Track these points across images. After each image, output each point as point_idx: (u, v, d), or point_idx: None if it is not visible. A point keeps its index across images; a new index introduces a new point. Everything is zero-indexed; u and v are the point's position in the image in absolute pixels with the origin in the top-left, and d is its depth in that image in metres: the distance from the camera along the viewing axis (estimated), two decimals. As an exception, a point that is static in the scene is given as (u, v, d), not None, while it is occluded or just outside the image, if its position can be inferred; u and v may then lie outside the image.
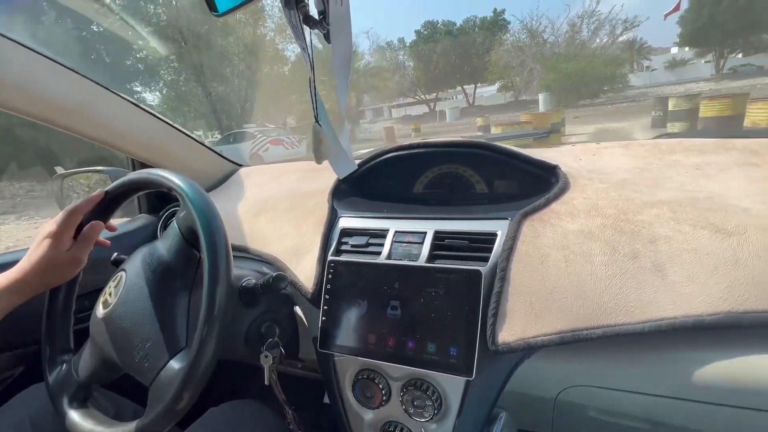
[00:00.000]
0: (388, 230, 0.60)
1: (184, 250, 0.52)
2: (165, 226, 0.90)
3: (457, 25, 26.69)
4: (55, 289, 0.59)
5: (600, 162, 0.64)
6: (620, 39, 21.59)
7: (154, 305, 0.49)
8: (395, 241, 0.59)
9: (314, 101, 0.41)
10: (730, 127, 6.58)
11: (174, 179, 0.50)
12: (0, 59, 0.62)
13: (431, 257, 0.55)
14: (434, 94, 29.02)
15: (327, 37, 0.41)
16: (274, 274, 0.54)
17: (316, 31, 0.40)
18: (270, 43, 19.88)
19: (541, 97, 18.79)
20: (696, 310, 0.42)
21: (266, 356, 0.56)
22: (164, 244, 0.54)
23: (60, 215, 0.54)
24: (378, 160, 0.69)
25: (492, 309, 0.49)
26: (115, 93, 0.78)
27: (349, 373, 0.60)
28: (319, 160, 0.42)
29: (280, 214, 0.76)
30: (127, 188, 0.57)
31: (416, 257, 0.56)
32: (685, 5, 20.40)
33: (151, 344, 0.47)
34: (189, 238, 0.52)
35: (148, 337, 0.47)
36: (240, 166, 1.04)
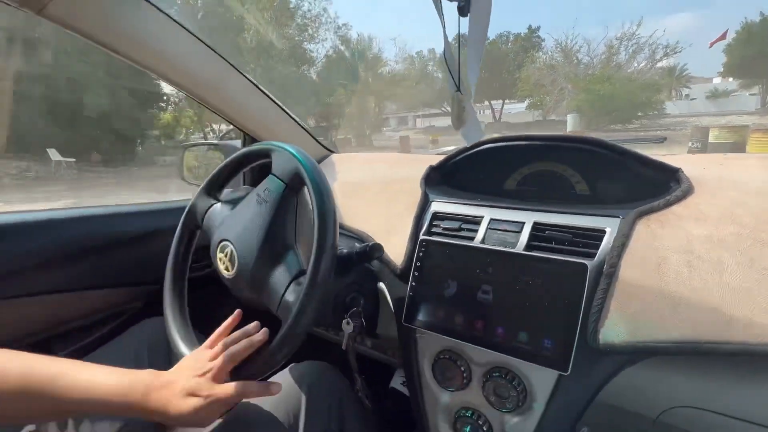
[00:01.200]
0: (482, 217, 0.61)
1: (284, 195, 0.56)
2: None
3: (490, 39, 26.83)
4: (180, 236, 0.66)
5: (730, 171, 0.60)
6: (659, 64, 21.23)
7: (268, 245, 0.54)
8: (490, 228, 0.59)
9: (452, 72, 0.42)
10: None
11: (283, 145, 0.57)
12: (160, 35, 0.73)
13: (529, 246, 0.55)
14: (460, 107, 29.14)
15: (463, 10, 0.42)
16: (371, 243, 0.56)
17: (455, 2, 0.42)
18: (288, 41, 20.15)
19: (569, 118, 18.56)
20: None
21: (348, 323, 0.59)
22: (266, 194, 0.58)
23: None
24: (472, 151, 0.69)
25: (596, 305, 0.48)
26: (241, 73, 0.86)
27: (429, 352, 0.61)
28: (458, 126, 0.44)
29: (371, 196, 0.79)
30: (243, 158, 0.64)
31: (512, 245, 0.56)
32: (732, 34, 19.99)
33: (273, 277, 0.53)
34: (289, 182, 0.56)
35: (266, 272, 0.54)
36: (332, 152, 1.11)
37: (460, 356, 0.58)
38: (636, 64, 21.12)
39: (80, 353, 0.72)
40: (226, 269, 0.58)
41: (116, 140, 12.19)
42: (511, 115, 28.11)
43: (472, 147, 0.70)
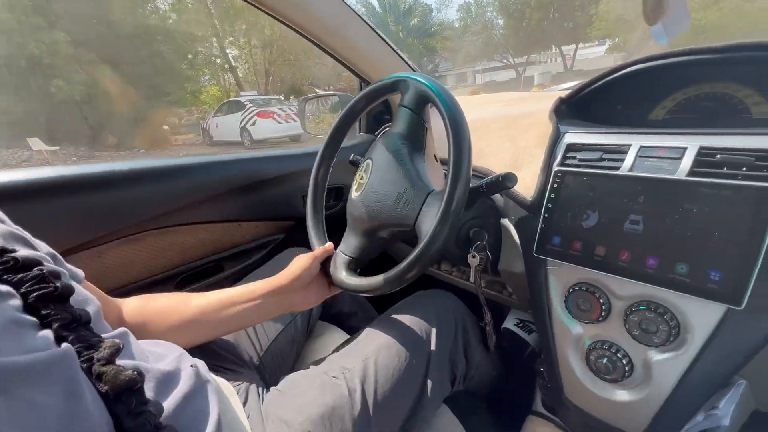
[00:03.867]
0: (629, 145, 0.57)
1: (415, 122, 0.61)
2: None
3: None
4: (317, 176, 0.75)
5: None
6: None
7: (401, 165, 0.60)
8: (641, 156, 0.56)
9: None
10: None
11: (414, 75, 0.60)
12: None
13: (693, 173, 0.51)
14: (525, 57, 26.82)
15: None
16: (503, 173, 0.56)
17: None
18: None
19: None
20: None
21: (474, 256, 0.61)
22: (397, 125, 0.63)
23: (326, 247, 0.69)
24: (608, 79, 0.65)
25: None
26: (361, 18, 0.93)
27: (562, 284, 0.61)
28: (655, 19, 0.40)
29: (492, 132, 0.80)
30: (382, 88, 0.67)
31: (671, 172, 0.53)
32: None
33: (408, 191, 0.58)
34: (417, 110, 0.61)
35: (405, 187, 0.58)
36: None
37: (598, 288, 0.57)
38: None
39: (244, 272, 0.94)
40: (359, 182, 0.65)
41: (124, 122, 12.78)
42: (587, 62, 25.25)
43: (607, 74, 0.66)
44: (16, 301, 0.29)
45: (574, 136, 0.64)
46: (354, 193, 0.67)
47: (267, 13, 0.82)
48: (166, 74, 15.41)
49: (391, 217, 0.60)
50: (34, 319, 0.29)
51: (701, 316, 0.50)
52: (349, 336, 0.82)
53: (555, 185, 0.61)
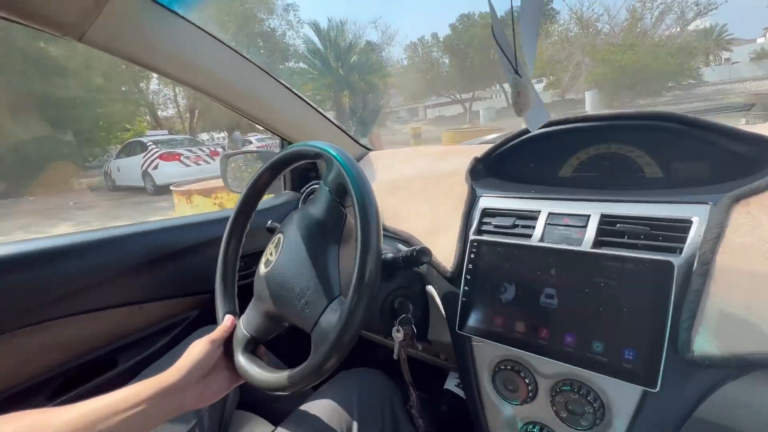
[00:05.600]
0: (539, 211, 0.59)
1: (333, 207, 0.57)
2: (306, 202, 1.06)
3: (498, 16, 26.53)
4: (227, 244, 0.69)
5: None
6: (692, 26, 20.07)
7: (310, 257, 0.55)
8: (549, 224, 0.57)
9: (507, 55, 0.40)
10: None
11: (323, 146, 0.56)
12: (195, 48, 0.78)
13: (597, 243, 0.53)
14: (471, 93, 28.92)
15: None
16: (418, 247, 0.55)
17: None
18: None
19: (587, 95, 17.99)
20: None
21: (398, 331, 0.59)
22: (315, 205, 0.59)
23: (226, 324, 0.63)
24: (519, 140, 0.68)
25: (689, 309, 0.45)
26: (274, 78, 0.91)
27: (488, 361, 0.60)
28: (519, 113, 0.42)
29: (413, 194, 0.79)
30: (287, 158, 0.64)
31: (578, 242, 0.54)
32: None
33: (311, 292, 0.53)
34: (337, 195, 0.57)
35: (308, 286, 0.54)
36: (369, 150, 1.16)
37: (523, 366, 0.56)
38: (664, 28, 20.12)
39: (143, 363, 0.82)
40: (268, 257, 0.61)
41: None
42: (527, 97, 27.72)
43: (519, 134, 0.69)
44: None
45: (489, 200, 0.65)
46: (262, 268, 0.62)
47: (171, 79, 0.79)
48: (68, 112, 14.36)
49: (291, 314, 0.56)
50: None
51: (622, 397, 0.50)
52: (272, 426, 0.74)
53: (472, 255, 0.61)
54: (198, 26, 0.77)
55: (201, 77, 0.82)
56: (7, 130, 12.33)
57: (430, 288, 0.69)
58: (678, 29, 19.82)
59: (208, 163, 10.15)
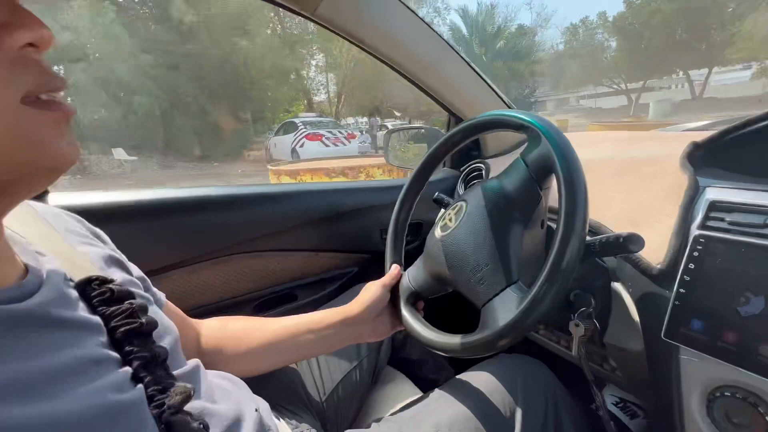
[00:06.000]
0: None
1: (528, 187, 0.54)
2: (465, 181, 1.08)
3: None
4: (401, 204, 0.73)
5: None
6: None
7: (494, 233, 0.54)
8: None
9: None
10: None
11: (527, 117, 0.53)
12: (400, 25, 0.86)
13: None
14: (641, 83, 24.53)
15: None
16: (625, 233, 0.48)
17: None
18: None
19: None
20: None
21: (577, 325, 0.54)
22: (508, 180, 0.58)
23: (393, 272, 0.68)
24: (758, 125, 0.54)
25: None
26: (458, 53, 0.95)
27: (702, 384, 0.50)
28: None
29: (602, 179, 0.72)
30: (476, 127, 0.64)
31: None
32: None
33: (489, 269, 0.52)
34: (537, 176, 0.54)
35: (487, 262, 0.53)
36: None
37: (758, 397, 0.45)
38: None
39: (315, 303, 0.96)
40: (446, 222, 0.61)
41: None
42: (724, 88, 21.98)
43: (759, 119, 0.55)
44: (102, 338, 0.31)
45: (718, 192, 0.54)
46: (438, 232, 0.63)
47: (364, 50, 0.86)
48: (246, 94, 17.25)
49: (461, 284, 0.56)
50: (117, 355, 0.31)
51: None
52: (418, 389, 0.78)
53: (695, 253, 0.51)
54: (402, 2, 0.82)
55: (398, 51, 0.87)
56: (206, 110, 15.61)
57: (616, 285, 0.61)
58: None
59: (345, 144, 11.55)
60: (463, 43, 22.69)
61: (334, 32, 0.81)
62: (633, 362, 0.60)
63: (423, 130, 1.22)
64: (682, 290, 0.51)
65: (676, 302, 0.51)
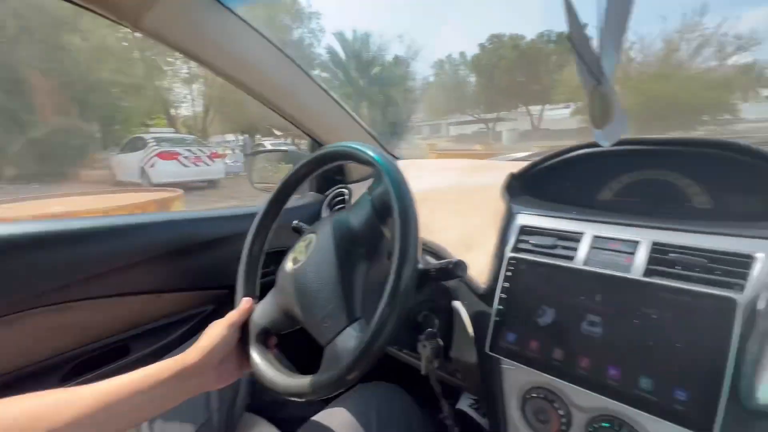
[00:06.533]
0: (582, 233, 0.57)
1: (372, 223, 0.56)
2: (330, 205, 1.06)
3: (527, 39, 26.61)
4: (255, 235, 0.68)
5: None
6: (731, 60, 19.47)
7: (339, 269, 0.54)
8: (595, 247, 0.55)
9: (587, 62, 0.38)
10: None
11: (372, 153, 0.54)
12: (242, 44, 0.81)
13: (648, 272, 0.50)
14: (495, 114, 28.94)
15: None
16: (454, 260, 0.53)
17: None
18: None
19: None
20: None
21: (424, 346, 0.57)
22: (355, 215, 0.58)
23: (244, 306, 0.62)
24: (560, 158, 0.66)
25: (752, 354, 0.42)
26: (312, 79, 0.93)
27: (518, 388, 0.57)
28: (601, 124, 0.40)
29: (443, 205, 0.78)
30: (323, 158, 0.63)
31: (625, 269, 0.52)
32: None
33: (333, 306, 0.52)
34: (380, 213, 0.55)
35: (332, 299, 0.53)
36: (397, 158, 1.16)
37: (557, 396, 0.53)
38: (701, 61, 19.51)
39: (155, 354, 0.85)
40: (296, 256, 0.59)
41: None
42: (553, 122, 27.53)
43: (559, 153, 0.67)
44: None
45: (526, 218, 0.64)
46: (289, 265, 0.61)
47: (214, 72, 0.82)
48: (86, 103, 14.60)
49: (308, 320, 0.55)
50: None
51: None
52: None
53: (509, 273, 0.59)
54: (246, 22, 0.78)
55: (244, 73, 0.84)
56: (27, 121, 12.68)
57: (456, 304, 0.67)
58: (716, 63, 19.34)
59: (207, 165, 10.13)
60: (341, 66, 23.45)
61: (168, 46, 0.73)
62: (472, 373, 0.65)
63: (287, 153, 1.19)
64: (500, 307, 0.58)
65: (496, 318, 0.58)
